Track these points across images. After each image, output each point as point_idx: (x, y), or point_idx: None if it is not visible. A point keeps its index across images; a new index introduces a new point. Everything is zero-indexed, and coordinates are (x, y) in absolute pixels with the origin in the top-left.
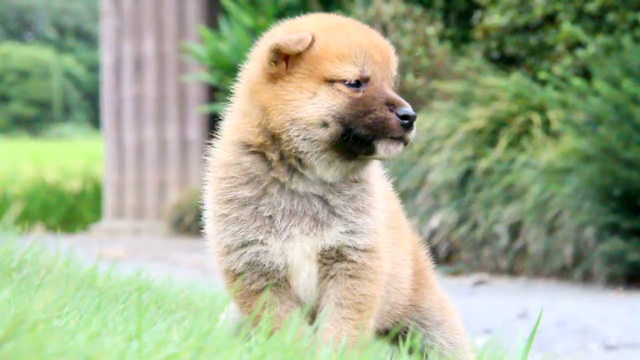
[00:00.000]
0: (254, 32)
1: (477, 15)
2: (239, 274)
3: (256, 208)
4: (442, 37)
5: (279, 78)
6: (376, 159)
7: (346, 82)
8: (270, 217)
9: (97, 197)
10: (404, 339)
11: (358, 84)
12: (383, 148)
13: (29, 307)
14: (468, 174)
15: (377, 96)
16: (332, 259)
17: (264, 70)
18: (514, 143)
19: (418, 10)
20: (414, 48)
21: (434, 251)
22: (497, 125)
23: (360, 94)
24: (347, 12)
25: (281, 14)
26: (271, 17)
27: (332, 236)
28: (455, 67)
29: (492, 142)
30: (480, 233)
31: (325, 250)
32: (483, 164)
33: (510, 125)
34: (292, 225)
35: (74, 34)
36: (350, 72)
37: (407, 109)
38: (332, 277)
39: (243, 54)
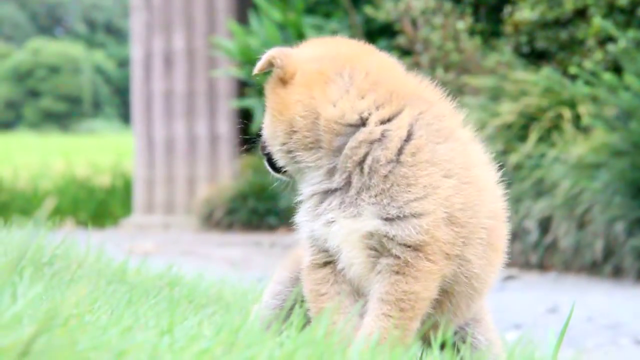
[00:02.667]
0: (284, 27)
1: (507, 9)
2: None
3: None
4: (472, 32)
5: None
6: None
7: None
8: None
9: (127, 192)
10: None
11: None
12: None
13: (62, 302)
14: (498, 168)
15: None
16: (377, 251)
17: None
18: (544, 138)
19: (448, 5)
20: (443, 43)
21: None
22: (527, 120)
23: None
24: (377, 7)
25: (310, 9)
26: (300, 12)
27: (367, 222)
28: (485, 61)
29: (522, 137)
30: (510, 228)
31: (365, 238)
32: (513, 158)
33: (541, 120)
34: (331, 209)
35: (104, 29)
36: None
37: None
38: (379, 272)
39: (272, 47)
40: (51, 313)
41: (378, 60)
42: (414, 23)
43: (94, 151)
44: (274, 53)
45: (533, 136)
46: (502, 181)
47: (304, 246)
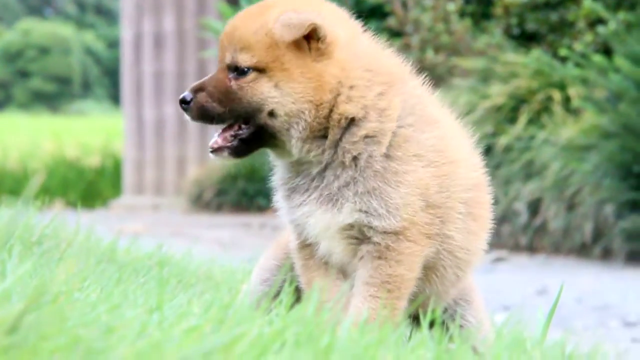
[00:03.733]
0: None
1: None
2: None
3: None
4: (462, 14)
5: None
6: None
7: None
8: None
9: (117, 173)
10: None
11: None
12: None
13: (51, 279)
14: (488, 150)
15: None
16: (357, 239)
17: None
18: (534, 120)
19: None
20: (434, 24)
21: None
22: (517, 102)
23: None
24: None
25: None
26: None
27: (347, 215)
28: (475, 43)
29: (512, 119)
30: (500, 210)
31: (345, 229)
32: (503, 140)
33: (531, 102)
34: (309, 201)
35: (94, 10)
36: None
37: (184, 94)
38: (361, 258)
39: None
40: (40, 289)
41: (373, 46)
42: (404, 4)
43: (84, 132)
44: (317, 21)
45: (523, 118)
46: (487, 161)
47: (287, 227)
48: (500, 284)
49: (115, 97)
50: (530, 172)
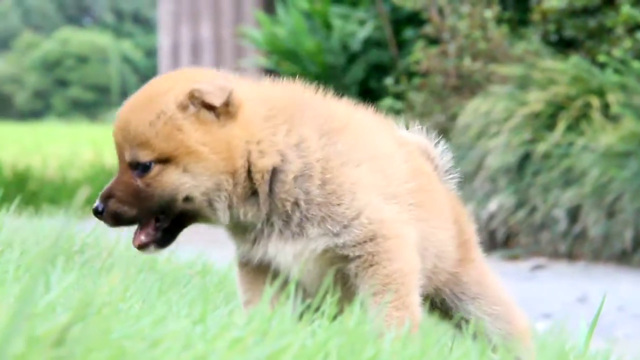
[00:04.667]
0: (310, 17)
1: None
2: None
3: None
4: (499, 20)
5: None
6: None
7: None
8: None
9: None
10: (442, 312)
11: None
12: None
13: (95, 291)
14: (526, 157)
15: None
16: (337, 259)
17: None
18: (573, 126)
19: None
20: (471, 31)
21: (491, 235)
22: (556, 109)
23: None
24: None
25: None
26: (327, 2)
27: (317, 241)
28: (513, 50)
29: (551, 126)
30: (539, 217)
31: (321, 255)
32: (541, 147)
33: (569, 108)
34: (269, 241)
35: (131, 19)
36: None
37: (95, 204)
38: (352, 275)
39: (299, 38)
40: (85, 301)
41: (261, 90)
42: (441, 11)
43: None
44: (230, 85)
45: (561, 125)
46: (526, 168)
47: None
48: (540, 292)
49: None
50: (569, 179)
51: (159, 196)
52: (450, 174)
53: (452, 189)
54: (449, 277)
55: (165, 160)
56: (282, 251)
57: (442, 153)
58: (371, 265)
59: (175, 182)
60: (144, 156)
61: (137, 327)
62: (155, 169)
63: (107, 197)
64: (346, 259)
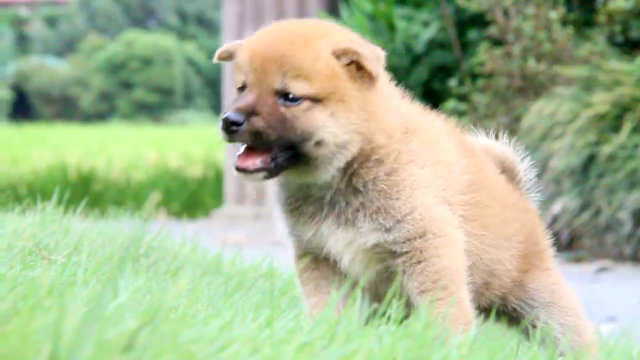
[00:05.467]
0: (374, 18)
1: None
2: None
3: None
4: (564, 22)
5: None
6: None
7: (237, 88)
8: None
9: (219, 183)
10: (513, 319)
11: (243, 88)
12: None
13: (163, 295)
14: (591, 159)
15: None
16: (386, 254)
17: None
18: (638, 128)
19: None
20: (536, 33)
21: (556, 237)
22: (621, 110)
23: (239, 101)
24: None
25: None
26: (391, 3)
27: (365, 235)
28: (578, 51)
29: (616, 128)
30: (603, 219)
31: (371, 249)
32: (606, 149)
33: (635, 110)
34: (324, 223)
35: (195, 21)
36: (239, 80)
37: (229, 112)
38: (403, 272)
39: (363, 39)
40: (153, 306)
41: None
42: (505, 13)
43: (186, 142)
44: (379, 52)
45: (627, 127)
46: (591, 170)
47: (286, 238)
48: (605, 294)
49: (216, 108)
50: (634, 181)
51: (301, 131)
52: (532, 190)
53: (532, 203)
54: (514, 286)
55: (315, 99)
56: (334, 235)
57: (527, 169)
58: (419, 262)
59: (320, 122)
60: (299, 89)
61: (205, 332)
62: (305, 104)
63: (250, 112)
64: (394, 254)
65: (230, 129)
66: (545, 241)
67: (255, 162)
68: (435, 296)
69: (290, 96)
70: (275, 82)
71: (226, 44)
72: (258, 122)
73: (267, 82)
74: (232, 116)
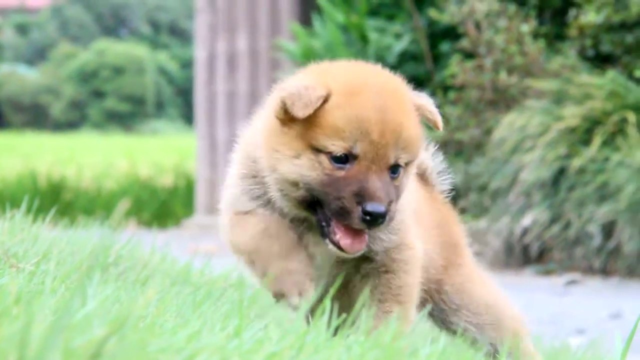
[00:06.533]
0: (346, 30)
1: (572, 12)
2: None
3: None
4: (536, 35)
5: (283, 124)
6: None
7: (331, 155)
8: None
9: (189, 193)
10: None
11: (346, 158)
12: (335, 237)
13: (131, 304)
14: (561, 172)
15: (352, 183)
16: (359, 260)
17: (273, 111)
18: (608, 142)
19: (512, 8)
20: (507, 46)
21: (525, 250)
22: (591, 124)
23: (340, 173)
24: (440, 10)
25: (374, 11)
26: (363, 15)
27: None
28: (549, 65)
29: (586, 141)
30: (573, 232)
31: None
32: (576, 162)
33: (605, 123)
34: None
35: (168, 30)
36: (338, 147)
37: (376, 205)
38: (365, 275)
39: (335, 51)
40: (121, 315)
41: None
42: (477, 26)
43: (157, 151)
44: None
45: (597, 140)
46: (561, 183)
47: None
48: (574, 307)
49: (188, 117)
50: (604, 194)
51: (399, 198)
52: (442, 176)
53: (442, 192)
54: (433, 287)
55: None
56: (315, 238)
57: (432, 155)
58: (387, 272)
59: (405, 186)
60: (404, 158)
61: (173, 341)
62: (401, 170)
63: (391, 201)
64: (367, 259)
65: (379, 222)
66: (460, 233)
67: (362, 244)
68: (389, 308)
69: (397, 168)
70: (392, 157)
71: (309, 95)
72: (393, 207)
73: (386, 157)
74: (382, 209)
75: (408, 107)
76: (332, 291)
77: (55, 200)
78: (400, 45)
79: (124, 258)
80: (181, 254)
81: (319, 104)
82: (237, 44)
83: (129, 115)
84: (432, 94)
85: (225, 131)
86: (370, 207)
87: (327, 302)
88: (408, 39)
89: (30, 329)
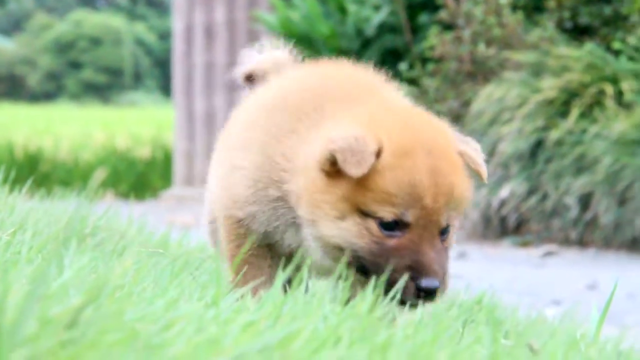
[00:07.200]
0: (325, 1)
1: None
2: None
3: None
4: (514, 7)
5: (327, 176)
6: None
7: (381, 221)
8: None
9: (167, 164)
10: None
11: (396, 224)
12: (413, 290)
13: (108, 273)
14: (539, 144)
15: (405, 254)
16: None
17: (319, 162)
18: (586, 114)
19: None
20: (486, 17)
21: (503, 222)
22: (569, 96)
23: (390, 242)
24: None
25: None
26: None
27: None
28: (527, 37)
29: (564, 113)
30: (550, 204)
31: None
32: (554, 134)
33: (583, 95)
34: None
35: (145, 2)
36: (388, 213)
37: (431, 280)
38: None
39: (314, 22)
40: (98, 284)
41: None
42: None
43: (135, 123)
44: None
45: (575, 112)
46: (539, 155)
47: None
48: (551, 279)
49: (166, 89)
50: (581, 166)
51: (449, 260)
52: None
53: None
54: None
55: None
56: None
57: None
58: None
59: (452, 242)
60: (453, 219)
61: (150, 310)
62: (450, 229)
63: (444, 273)
64: None
65: (434, 297)
66: None
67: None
68: None
69: (446, 229)
70: (443, 221)
71: (362, 151)
72: (447, 278)
73: (438, 222)
74: (437, 284)
75: (458, 162)
76: (308, 261)
77: (32, 171)
78: (379, 17)
79: (101, 229)
80: (158, 226)
81: (372, 162)
82: (215, 15)
83: (106, 86)
84: (411, 66)
85: (203, 103)
86: (426, 283)
87: (304, 272)
88: (387, 10)
89: (7, 298)
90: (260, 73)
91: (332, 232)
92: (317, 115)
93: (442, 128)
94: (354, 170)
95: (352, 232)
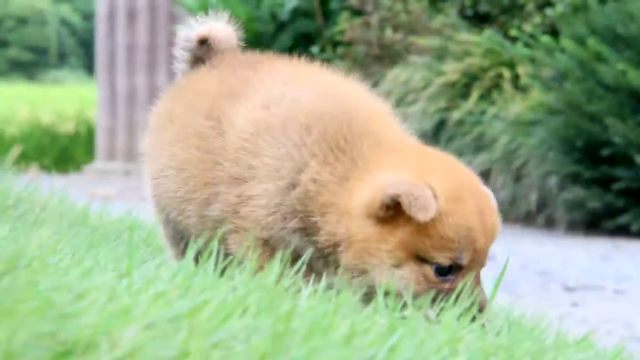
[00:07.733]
0: None
1: None
2: None
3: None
4: None
5: (379, 222)
6: None
7: (437, 267)
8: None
9: (90, 140)
10: None
11: (450, 269)
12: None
13: (26, 244)
14: (441, 124)
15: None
16: None
17: (367, 203)
18: (485, 96)
19: None
20: (393, 4)
21: None
22: (470, 79)
23: (445, 285)
24: None
25: None
26: None
27: None
28: (431, 23)
29: (465, 95)
30: None
31: None
32: (455, 115)
33: (482, 79)
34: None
35: None
36: (446, 258)
37: (486, 315)
38: None
39: (230, 5)
40: (15, 254)
41: None
42: None
43: (59, 100)
44: None
45: (474, 94)
46: (441, 134)
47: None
48: None
49: (89, 67)
50: (480, 145)
51: None
52: None
53: None
54: None
55: None
56: None
57: None
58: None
59: None
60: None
61: (65, 280)
62: None
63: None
64: None
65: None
66: None
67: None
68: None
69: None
70: (486, 260)
71: (424, 195)
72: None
73: (484, 261)
74: (491, 321)
75: (490, 199)
76: (219, 234)
77: None
78: (292, 2)
79: (24, 201)
80: (80, 198)
81: (433, 213)
82: None
83: (32, 64)
84: (322, 49)
85: (125, 81)
86: (482, 320)
87: (214, 244)
88: None
89: None
90: (215, 40)
91: (387, 280)
92: (353, 152)
93: (465, 167)
94: (422, 215)
95: (409, 280)
